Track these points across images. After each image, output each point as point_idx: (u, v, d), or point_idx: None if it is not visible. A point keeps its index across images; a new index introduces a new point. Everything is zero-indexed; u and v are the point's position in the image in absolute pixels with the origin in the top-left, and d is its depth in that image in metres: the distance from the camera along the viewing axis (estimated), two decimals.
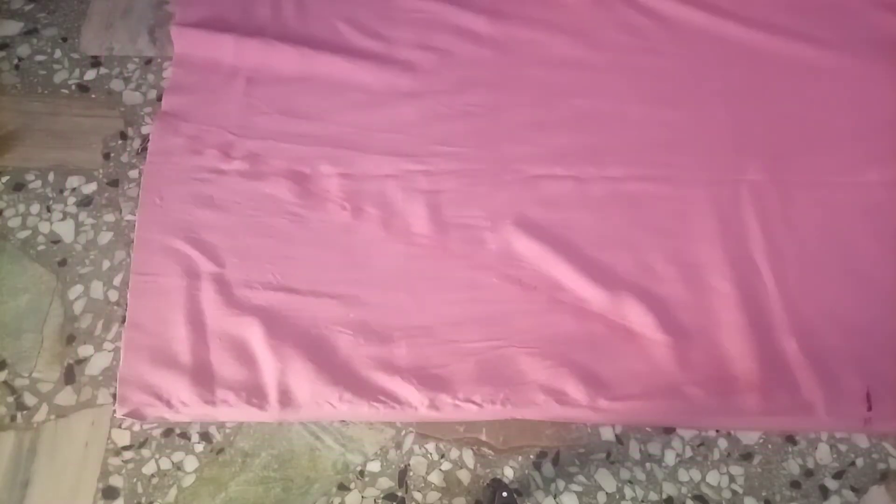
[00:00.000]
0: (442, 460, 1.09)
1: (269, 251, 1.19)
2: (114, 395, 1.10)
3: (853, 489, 1.08)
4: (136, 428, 1.10)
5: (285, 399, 1.09)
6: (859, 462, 1.10)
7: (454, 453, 1.10)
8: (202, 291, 1.16)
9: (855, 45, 1.37)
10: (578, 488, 1.08)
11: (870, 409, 1.09)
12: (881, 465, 1.10)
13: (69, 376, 1.13)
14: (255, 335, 1.12)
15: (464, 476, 1.09)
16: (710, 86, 1.35)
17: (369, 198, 1.24)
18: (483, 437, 1.11)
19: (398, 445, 1.10)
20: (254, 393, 1.09)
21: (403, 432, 1.11)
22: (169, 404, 1.08)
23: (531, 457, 1.10)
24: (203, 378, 1.10)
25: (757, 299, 1.17)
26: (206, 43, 1.35)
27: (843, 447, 1.11)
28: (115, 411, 1.08)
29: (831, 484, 1.09)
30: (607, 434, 1.12)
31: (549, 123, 1.31)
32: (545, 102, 1.33)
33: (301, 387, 1.09)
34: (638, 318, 1.15)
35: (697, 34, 1.39)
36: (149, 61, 1.37)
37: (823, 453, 1.10)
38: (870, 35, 1.38)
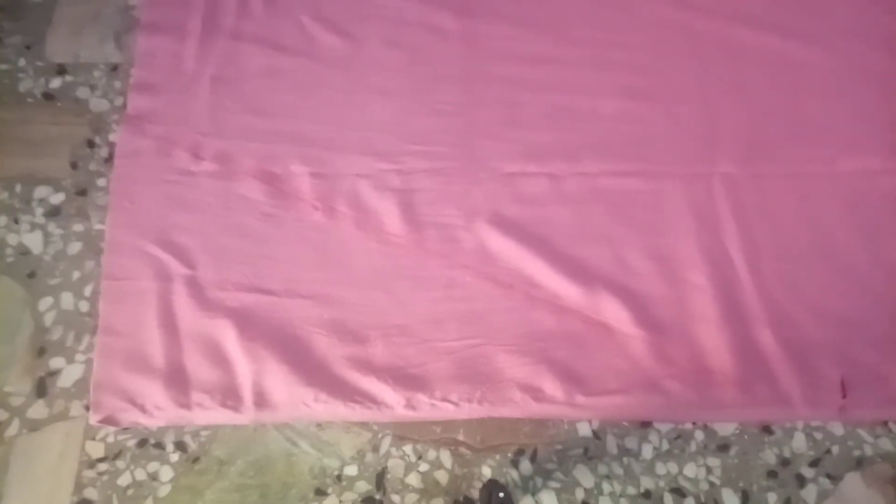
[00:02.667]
0: (419, 461, 1.09)
1: (241, 252, 1.19)
2: (86, 407, 1.09)
3: (829, 476, 1.09)
4: (111, 439, 1.09)
5: (261, 401, 1.09)
6: (835, 450, 1.10)
7: (431, 454, 1.10)
8: (174, 294, 1.15)
9: (826, 35, 1.37)
10: (557, 485, 1.08)
11: (844, 396, 1.10)
12: (856, 452, 1.10)
13: (41, 389, 1.12)
14: (228, 337, 1.12)
15: (441, 477, 1.08)
16: (683, 79, 1.34)
17: (342, 197, 1.23)
18: (460, 437, 1.11)
19: (375, 448, 1.10)
20: (229, 395, 1.09)
21: (380, 435, 1.11)
22: (143, 409, 1.08)
23: (509, 455, 1.10)
24: (177, 381, 1.10)
25: (732, 292, 1.17)
26: (169, 42, 1.33)
27: (818, 435, 1.11)
28: (89, 421, 1.07)
29: (807, 472, 1.09)
30: (584, 430, 1.12)
31: (521, 120, 1.30)
32: (517, 99, 1.31)
33: (276, 388, 1.09)
34: (614, 313, 1.15)
35: (669, 27, 1.38)
36: (115, 68, 1.35)
37: (799, 442, 1.11)
38: (840, 26, 1.37)
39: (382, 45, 1.36)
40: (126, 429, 1.10)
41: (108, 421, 1.08)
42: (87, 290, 1.18)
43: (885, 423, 1.12)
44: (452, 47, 1.36)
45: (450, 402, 1.10)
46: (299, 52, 1.34)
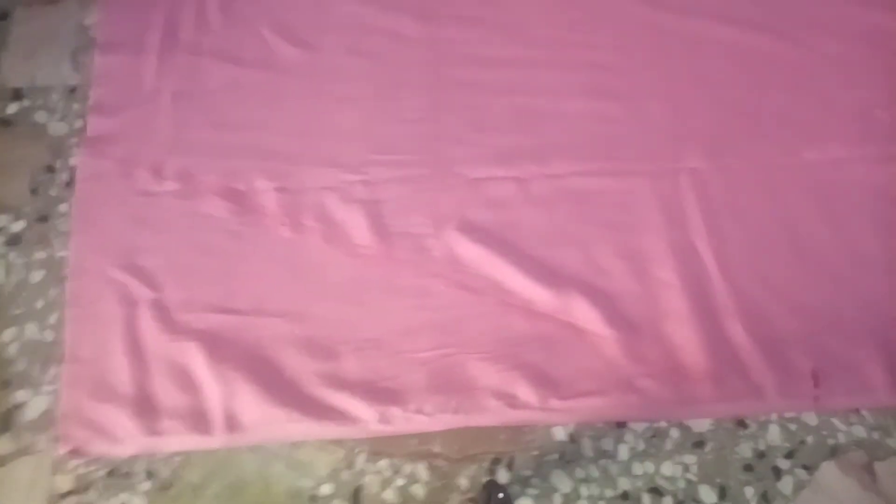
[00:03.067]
0: (396, 476, 1.08)
1: (207, 272, 1.17)
2: (55, 439, 1.07)
3: (804, 467, 1.09)
4: (80, 471, 1.07)
5: (232, 424, 1.08)
6: (809, 440, 1.11)
7: (408, 468, 1.09)
8: (140, 319, 1.14)
9: (787, 26, 1.37)
10: (535, 491, 1.07)
11: (817, 386, 1.10)
12: (830, 441, 1.11)
13: (6, 423, 1.10)
14: (197, 360, 1.11)
15: (418, 491, 1.07)
16: (647, 75, 1.34)
17: (308, 211, 1.22)
18: (436, 449, 1.10)
19: (350, 465, 1.09)
20: (199, 419, 1.08)
21: (355, 451, 1.09)
22: (113, 438, 1.07)
23: (485, 464, 1.09)
24: (146, 408, 1.08)
25: (701, 287, 1.17)
26: (127, 61, 1.32)
27: (793, 427, 1.11)
28: (57, 453, 1.06)
29: (783, 464, 1.09)
30: (560, 434, 1.11)
31: (486, 124, 1.29)
32: (481, 103, 1.31)
33: (247, 410, 1.08)
34: (585, 314, 1.15)
35: (632, 24, 1.38)
36: (73, 90, 1.33)
37: (774, 434, 1.11)
38: (801, 16, 1.38)
39: (344, 53, 1.35)
40: (95, 459, 1.08)
41: (77, 452, 1.06)
42: (52, 319, 1.16)
43: (858, 411, 1.12)
44: (415, 53, 1.35)
45: (424, 413, 1.09)
46: (260, 65, 1.33)
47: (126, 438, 1.07)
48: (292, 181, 1.24)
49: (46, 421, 1.10)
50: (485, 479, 1.07)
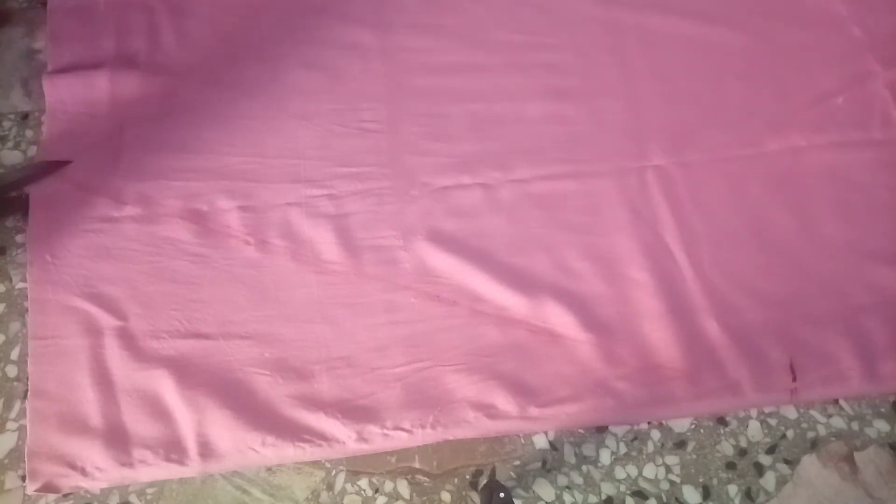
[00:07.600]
0: (377, 495, 1.06)
1: (173, 297, 1.14)
2: (23, 477, 1.04)
3: (786, 461, 1.09)
4: None
5: (206, 451, 1.05)
6: (790, 434, 1.11)
7: (388, 486, 1.07)
8: (106, 348, 1.10)
9: (741, 16, 1.38)
10: (518, 502, 1.06)
11: (794, 379, 1.10)
12: (811, 434, 1.11)
13: None
14: (166, 387, 1.08)
15: None
16: (605, 74, 1.33)
17: (273, 229, 1.20)
18: (416, 465, 1.08)
19: (329, 487, 1.07)
20: (172, 448, 1.05)
21: (334, 472, 1.08)
22: (84, 472, 1.03)
23: (467, 477, 1.08)
24: (117, 440, 1.05)
25: (674, 284, 1.17)
26: (79, 86, 1.28)
27: (772, 421, 1.11)
28: (26, 491, 1.03)
29: (765, 460, 1.09)
30: (541, 442, 1.10)
31: (448, 132, 1.28)
32: (442, 111, 1.29)
33: (221, 436, 1.06)
34: (559, 319, 1.14)
35: (588, 23, 1.37)
36: (25, 116, 1.29)
37: (755, 430, 1.11)
38: (755, 5, 1.39)
39: (300, 67, 1.32)
40: (67, 495, 1.05)
41: (47, 488, 1.03)
42: (14, 354, 1.13)
43: (836, 402, 1.12)
44: (372, 64, 1.33)
45: (403, 430, 1.07)
46: (215, 83, 1.30)
47: (98, 472, 1.03)
48: (255, 199, 1.22)
49: (14, 459, 1.07)
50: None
